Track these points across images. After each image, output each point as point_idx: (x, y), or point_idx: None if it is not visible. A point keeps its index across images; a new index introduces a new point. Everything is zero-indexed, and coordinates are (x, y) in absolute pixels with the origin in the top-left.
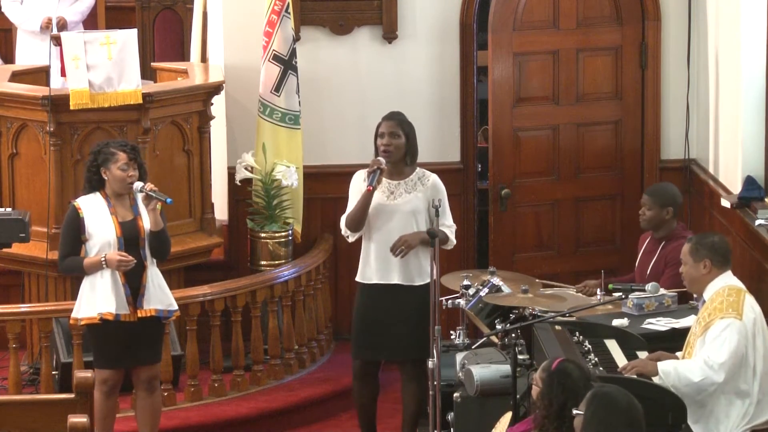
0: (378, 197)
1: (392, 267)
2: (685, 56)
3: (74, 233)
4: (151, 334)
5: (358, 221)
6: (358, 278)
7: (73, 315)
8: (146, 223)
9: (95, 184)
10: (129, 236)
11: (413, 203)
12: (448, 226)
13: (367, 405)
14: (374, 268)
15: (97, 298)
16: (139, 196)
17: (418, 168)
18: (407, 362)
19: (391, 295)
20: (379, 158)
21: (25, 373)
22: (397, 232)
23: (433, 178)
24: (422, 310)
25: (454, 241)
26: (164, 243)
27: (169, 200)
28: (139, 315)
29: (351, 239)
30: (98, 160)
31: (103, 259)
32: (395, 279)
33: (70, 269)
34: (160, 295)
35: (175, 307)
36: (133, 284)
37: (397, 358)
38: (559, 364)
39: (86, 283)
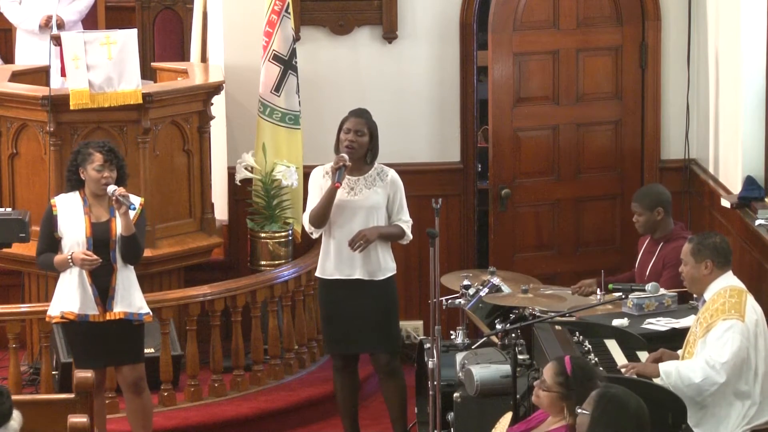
0: (339, 193)
1: (354, 263)
2: (685, 56)
3: (48, 230)
4: (124, 335)
5: (323, 217)
6: (318, 273)
7: (48, 312)
8: (120, 226)
9: (75, 183)
10: (99, 237)
11: (373, 199)
12: (405, 221)
13: (348, 398)
14: (335, 263)
15: (63, 297)
16: (112, 199)
17: (376, 163)
18: (380, 357)
19: (352, 291)
20: (343, 155)
21: (25, 373)
22: (357, 227)
23: (392, 173)
24: (386, 304)
25: (410, 236)
26: (134, 248)
27: (132, 206)
28: (108, 317)
29: (315, 235)
30: (77, 160)
31: (69, 256)
32: (356, 274)
33: (44, 266)
34: (129, 299)
35: (146, 310)
36: (102, 285)
37: (368, 351)
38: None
39: (59, 282)
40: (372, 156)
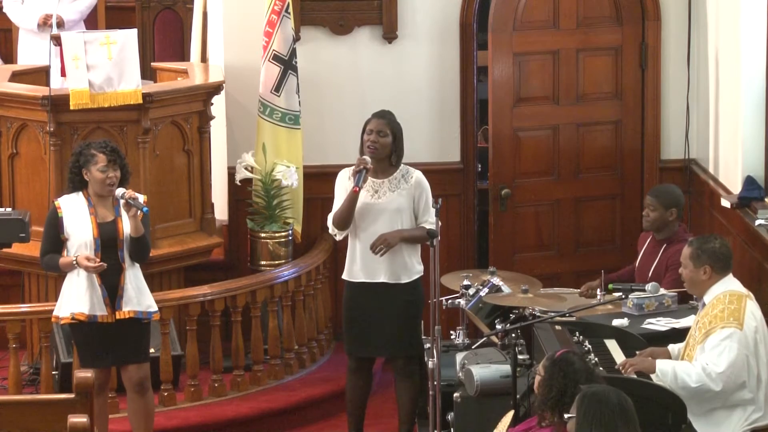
0: (363, 196)
1: (378, 266)
2: (685, 56)
3: (54, 232)
4: (132, 334)
5: (345, 220)
6: (344, 276)
7: (54, 313)
8: (126, 225)
9: (77, 184)
10: (106, 237)
11: (398, 201)
12: (431, 223)
13: (358, 399)
14: (360, 266)
15: (72, 298)
16: (121, 202)
17: (402, 165)
18: (399, 360)
19: (378, 294)
20: (365, 157)
21: (25, 373)
22: (381, 230)
23: (417, 174)
24: (410, 307)
25: (438, 238)
26: (144, 248)
27: (145, 209)
28: (117, 317)
29: (339, 237)
30: (80, 161)
31: (74, 259)
32: (382, 277)
33: (49, 267)
34: (138, 297)
35: (155, 308)
36: (111, 285)
37: (388, 356)
38: (563, 353)
39: (66, 282)
40: (397, 157)
